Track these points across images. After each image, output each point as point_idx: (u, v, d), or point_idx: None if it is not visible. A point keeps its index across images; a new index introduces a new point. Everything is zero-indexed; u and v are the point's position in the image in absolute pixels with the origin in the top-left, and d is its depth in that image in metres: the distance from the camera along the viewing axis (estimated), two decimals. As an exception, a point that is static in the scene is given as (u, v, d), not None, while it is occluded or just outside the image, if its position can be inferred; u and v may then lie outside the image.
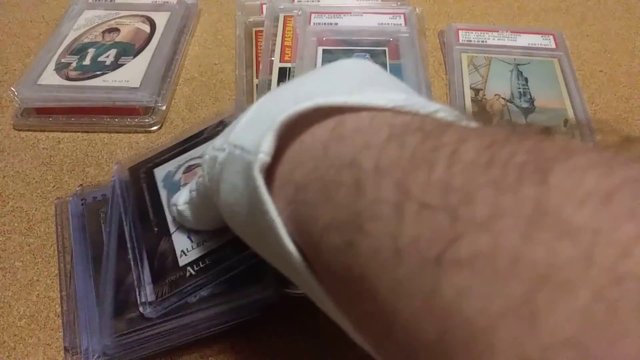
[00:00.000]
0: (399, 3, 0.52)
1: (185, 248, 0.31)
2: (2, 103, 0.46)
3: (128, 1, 0.53)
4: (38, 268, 0.35)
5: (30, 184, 0.40)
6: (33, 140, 0.43)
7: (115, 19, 0.51)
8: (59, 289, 0.34)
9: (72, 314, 0.32)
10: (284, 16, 0.50)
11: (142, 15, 0.51)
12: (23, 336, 0.32)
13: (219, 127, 0.35)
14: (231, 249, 0.30)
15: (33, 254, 0.36)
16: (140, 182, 0.35)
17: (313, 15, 0.49)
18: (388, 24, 0.49)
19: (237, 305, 0.30)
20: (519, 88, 0.44)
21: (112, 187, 0.35)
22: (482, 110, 0.43)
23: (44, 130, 0.44)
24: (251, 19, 0.52)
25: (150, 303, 0.29)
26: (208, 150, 0.25)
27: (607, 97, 0.45)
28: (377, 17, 0.49)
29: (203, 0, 0.56)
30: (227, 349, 0.31)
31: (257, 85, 0.45)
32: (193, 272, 0.30)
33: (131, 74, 0.45)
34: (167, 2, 0.53)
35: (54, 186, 0.40)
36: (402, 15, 0.49)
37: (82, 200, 0.37)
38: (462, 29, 0.50)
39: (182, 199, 0.31)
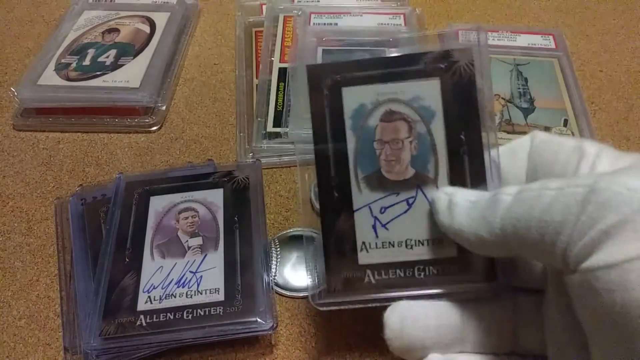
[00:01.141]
0: (398, 3, 0.52)
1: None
2: (2, 103, 0.46)
3: (128, 1, 0.53)
4: (38, 268, 0.35)
5: (30, 184, 0.40)
6: (33, 141, 0.43)
7: (115, 19, 0.51)
8: (58, 289, 0.34)
9: (72, 314, 0.32)
10: (284, 16, 0.50)
11: (142, 16, 0.51)
12: (23, 336, 0.32)
13: (445, 58, 0.25)
14: None
15: (33, 254, 0.36)
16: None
17: (313, 16, 0.49)
18: (388, 24, 0.49)
19: (231, 329, 0.29)
20: (519, 88, 0.44)
21: (117, 185, 0.36)
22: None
23: (43, 131, 0.44)
24: (251, 19, 0.52)
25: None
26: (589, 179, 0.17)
27: (607, 97, 0.45)
28: (377, 18, 0.49)
29: (203, 0, 0.56)
30: (228, 350, 0.31)
31: (257, 85, 0.45)
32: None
33: (131, 75, 0.45)
34: (167, 2, 0.53)
35: (54, 186, 0.40)
36: (401, 16, 0.49)
37: (82, 200, 0.37)
38: (461, 29, 0.50)
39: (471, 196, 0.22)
